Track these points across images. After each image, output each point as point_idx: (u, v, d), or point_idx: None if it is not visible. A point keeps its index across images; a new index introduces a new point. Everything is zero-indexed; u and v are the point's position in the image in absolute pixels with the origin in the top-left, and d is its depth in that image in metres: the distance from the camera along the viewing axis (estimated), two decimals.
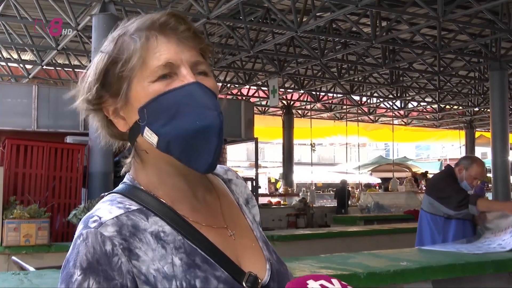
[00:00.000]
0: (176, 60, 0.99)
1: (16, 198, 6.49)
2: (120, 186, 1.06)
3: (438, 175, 5.58)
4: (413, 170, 23.76)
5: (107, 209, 0.98)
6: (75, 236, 0.96)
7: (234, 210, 1.15)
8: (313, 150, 22.46)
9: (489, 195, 13.70)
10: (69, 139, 9.18)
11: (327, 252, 4.58)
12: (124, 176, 1.11)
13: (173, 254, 0.95)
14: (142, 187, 1.04)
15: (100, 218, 0.95)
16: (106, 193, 1.06)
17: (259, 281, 1.01)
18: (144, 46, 1.00)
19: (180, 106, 0.96)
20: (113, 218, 0.95)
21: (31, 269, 4.02)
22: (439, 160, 31.96)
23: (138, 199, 1.01)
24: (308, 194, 18.35)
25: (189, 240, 0.98)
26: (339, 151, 36.35)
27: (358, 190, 21.86)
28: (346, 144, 25.62)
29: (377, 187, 22.92)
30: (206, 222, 1.04)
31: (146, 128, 0.99)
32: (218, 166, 1.16)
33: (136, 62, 0.99)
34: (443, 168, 27.46)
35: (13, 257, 5.17)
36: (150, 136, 0.99)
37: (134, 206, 0.99)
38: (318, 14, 10.82)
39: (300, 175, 24.63)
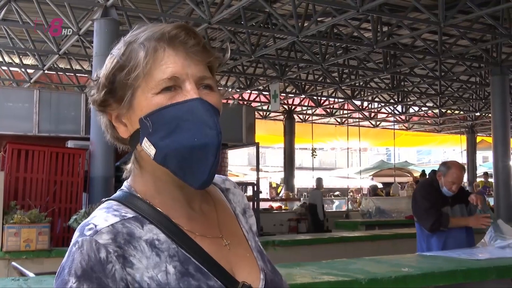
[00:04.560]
0: (182, 74, 1.00)
1: (16, 203, 6.49)
2: (118, 193, 1.07)
3: (420, 183, 5.73)
4: (415, 174, 23.73)
5: (103, 216, 0.98)
6: (71, 243, 0.97)
7: (231, 219, 1.16)
8: (314, 156, 22.42)
9: (491, 200, 13.68)
10: (70, 144, 9.17)
11: (328, 257, 4.57)
12: (124, 181, 1.11)
13: (167, 262, 0.96)
14: (139, 195, 1.04)
15: (95, 226, 0.96)
16: (106, 198, 1.07)
17: None
18: (151, 57, 1.00)
19: (180, 121, 0.97)
20: (108, 226, 0.96)
21: (31, 275, 4.01)
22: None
23: (135, 206, 1.02)
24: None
25: (183, 248, 0.99)
26: (340, 156, 36.34)
27: (359, 195, 21.83)
28: (348, 148, 25.61)
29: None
30: (201, 231, 1.04)
31: (145, 139, 1.00)
32: (216, 175, 1.16)
33: (142, 72, 1.00)
34: None
35: (13, 263, 5.16)
36: (148, 147, 1.00)
37: (130, 214, 1.00)
38: (319, 19, 10.83)
39: (301, 180, 24.61)
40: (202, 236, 1.03)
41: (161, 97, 0.99)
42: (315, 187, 14.92)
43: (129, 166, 1.10)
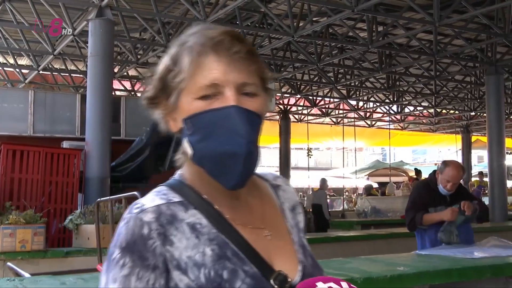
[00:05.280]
0: (223, 81, 1.04)
1: (12, 203, 6.48)
2: (170, 180, 1.15)
3: (417, 182, 5.78)
4: (410, 174, 23.78)
5: (151, 198, 1.07)
6: (121, 219, 1.06)
7: (276, 213, 1.20)
8: (310, 155, 22.43)
9: (486, 200, 13.70)
10: (65, 144, 9.15)
11: (324, 257, 4.57)
12: (170, 168, 1.19)
13: (205, 245, 1.03)
14: (187, 183, 1.12)
15: (143, 205, 1.05)
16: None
17: (289, 280, 1.06)
18: (194, 62, 1.06)
19: (216, 127, 1.03)
20: (153, 206, 1.04)
21: (27, 275, 4.01)
22: (435, 164, 31.97)
23: (182, 193, 1.09)
24: (305, 199, 18.35)
25: (223, 234, 1.05)
26: (336, 156, 36.36)
27: (355, 194, 21.84)
28: (343, 148, 25.63)
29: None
30: (242, 221, 1.10)
31: (186, 139, 1.09)
32: (269, 172, 1.29)
33: (185, 76, 1.06)
34: None
35: (9, 263, 5.15)
36: (187, 147, 1.09)
37: (177, 199, 1.08)
38: (314, 19, 10.84)
39: (297, 180, 24.62)
40: (242, 225, 1.09)
41: (201, 102, 1.05)
42: (319, 187, 14.90)
43: (178, 156, 1.15)
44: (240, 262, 1.03)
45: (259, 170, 1.16)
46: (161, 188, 1.12)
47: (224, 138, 1.02)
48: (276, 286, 1.04)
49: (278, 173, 1.33)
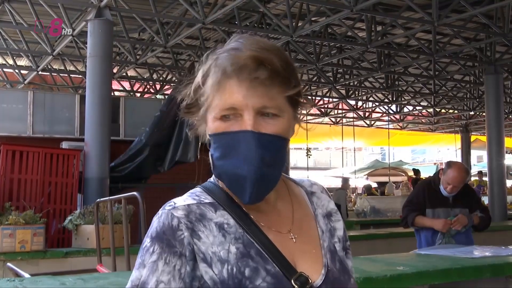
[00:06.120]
0: (242, 105, 1.08)
1: (11, 204, 6.47)
2: (206, 182, 1.23)
3: (420, 181, 5.78)
4: (409, 174, 23.77)
5: (184, 198, 1.16)
6: (155, 215, 1.15)
7: (307, 218, 1.24)
8: (309, 155, 22.43)
9: (485, 199, 13.71)
10: (64, 145, 9.15)
11: None
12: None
13: (231, 243, 1.10)
14: (220, 185, 1.18)
15: (175, 203, 1.14)
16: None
17: (310, 281, 1.10)
18: (216, 85, 1.10)
19: (231, 149, 1.10)
20: (184, 205, 1.13)
21: (26, 275, 4.02)
22: (435, 164, 31.99)
23: (214, 195, 1.17)
24: None
25: (249, 234, 1.12)
26: (335, 156, 36.37)
27: (354, 194, 21.81)
28: (342, 148, 25.62)
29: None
30: (268, 223, 1.16)
31: (210, 153, 1.16)
32: (306, 179, 1.35)
33: (209, 97, 1.12)
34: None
35: (8, 264, 5.15)
36: (210, 161, 1.16)
37: (208, 200, 1.16)
38: (313, 18, 10.84)
39: None
40: (268, 227, 1.15)
41: (220, 123, 1.11)
42: (340, 187, 14.72)
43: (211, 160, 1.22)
44: (263, 261, 1.09)
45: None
46: (196, 189, 1.20)
47: (237, 162, 1.08)
48: (296, 287, 1.08)
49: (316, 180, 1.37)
